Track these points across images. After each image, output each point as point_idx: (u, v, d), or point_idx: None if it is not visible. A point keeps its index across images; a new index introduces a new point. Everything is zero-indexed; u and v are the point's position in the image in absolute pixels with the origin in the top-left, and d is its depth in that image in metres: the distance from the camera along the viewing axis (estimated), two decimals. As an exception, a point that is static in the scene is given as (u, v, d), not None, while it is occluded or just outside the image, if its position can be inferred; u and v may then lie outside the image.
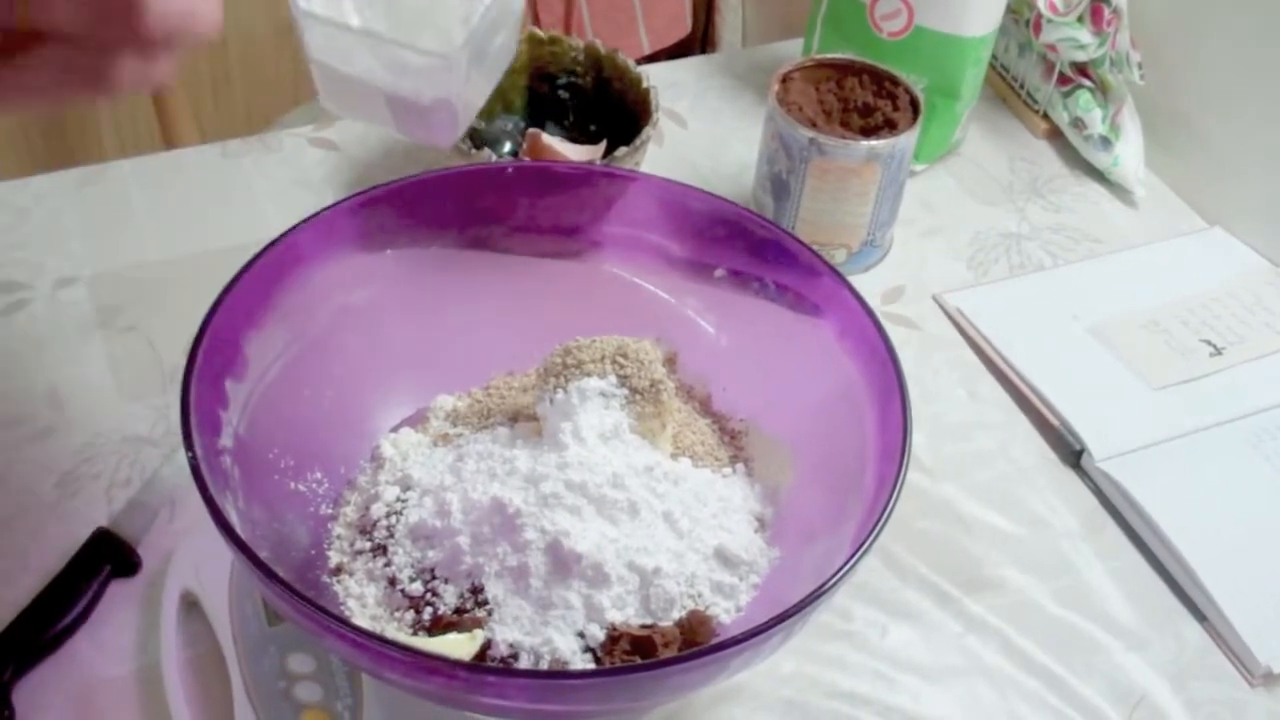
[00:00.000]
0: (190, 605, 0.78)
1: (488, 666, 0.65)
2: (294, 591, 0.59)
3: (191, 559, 0.79)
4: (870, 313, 0.75)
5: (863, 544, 0.63)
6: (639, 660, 0.67)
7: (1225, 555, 0.86)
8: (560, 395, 0.74)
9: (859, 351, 0.75)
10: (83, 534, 0.81)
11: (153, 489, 0.85)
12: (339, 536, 0.76)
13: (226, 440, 0.69)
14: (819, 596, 0.60)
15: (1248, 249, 1.12)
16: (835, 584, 0.61)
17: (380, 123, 0.70)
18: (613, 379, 0.74)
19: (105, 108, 1.90)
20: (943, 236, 1.12)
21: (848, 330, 0.76)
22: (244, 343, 0.72)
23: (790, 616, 0.59)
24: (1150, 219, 1.16)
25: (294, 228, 0.75)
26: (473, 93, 0.69)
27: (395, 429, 0.81)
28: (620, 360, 0.74)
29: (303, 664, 0.74)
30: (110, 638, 0.78)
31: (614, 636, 0.68)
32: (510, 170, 0.84)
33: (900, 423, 0.68)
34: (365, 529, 0.75)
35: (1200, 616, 0.86)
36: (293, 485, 0.75)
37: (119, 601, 0.80)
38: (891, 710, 0.79)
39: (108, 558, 0.80)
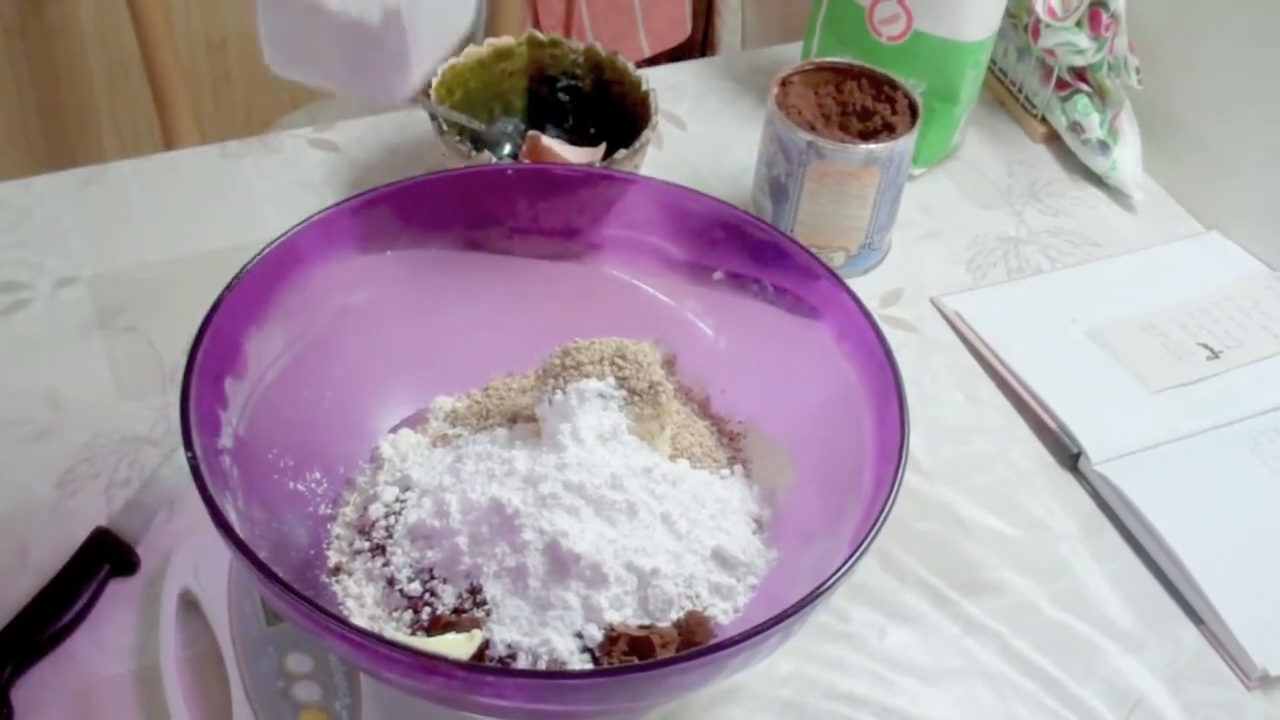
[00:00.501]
0: (189, 605, 0.78)
1: (485, 666, 0.66)
2: (292, 591, 0.59)
3: (190, 558, 0.79)
4: (868, 315, 0.75)
5: (860, 545, 0.63)
6: (637, 661, 0.67)
7: (1222, 558, 0.86)
8: (559, 396, 0.74)
9: (857, 354, 0.75)
10: (82, 533, 0.81)
11: (152, 489, 0.85)
12: (338, 536, 0.76)
13: (226, 440, 0.69)
14: (816, 597, 0.61)
15: (1245, 253, 1.12)
16: (832, 585, 0.61)
17: (332, 79, 0.67)
18: (611, 380, 0.74)
19: (105, 109, 1.91)
20: (941, 240, 1.12)
21: (846, 333, 0.76)
22: (244, 343, 0.72)
23: (788, 617, 0.60)
24: (1148, 223, 1.16)
25: (294, 228, 0.75)
26: (428, 24, 0.65)
27: (394, 430, 0.81)
28: (619, 362, 0.75)
29: (301, 663, 0.74)
30: (109, 637, 0.78)
31: (612, 637, 0.68)
32: (510, 172, 0.84)
33: (897, 425, 0.69)
34: (364, 529, 0.75)
35: (1197, 619, 0.86)
36: (292, 485, 0.75)
37: (118, 601, 0.80)
38: (889, 711, 0.79)
39: (107, 557, 0.81)
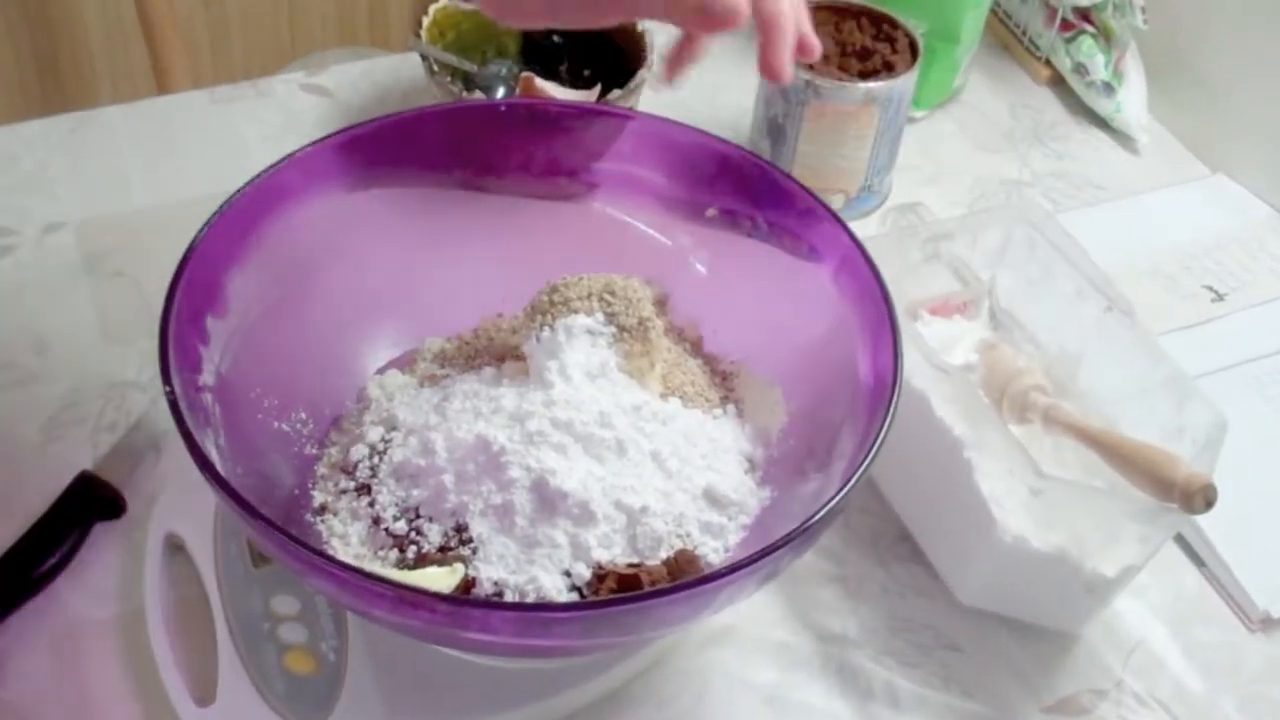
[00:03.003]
0: (175, 548, 0.77)
1: (470, 600, 0.64)
2: (272, 525, 0.58)
3: (176, 502, 0.78)
4: (864, 251, 0.73)
5: (849, 480, 0.61)
6: (625, 597, 0.66)
7: (1224, 501, 0.85)
8: (546, 333, 0.73)
9: (852, 290, 0.73)
10: (67, 478, 0.80)
11: (138, 433, 0.84)
12: (323, 476, 0.74)
13: (208, 378, 0.68)
14: (804, 531, 0.59)
15: (1251, 196, 1.11)
16: (820, 520, 0.60)
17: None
18: (600, 316, 0.73)
19: (103, 62, 1.89)
20: (943, 183, 1.10)
21: (841, 269, 0.74)
22: (225, 280, 0.71)
23: (775, 550, 0.58)
24: (1153, 166, 1.14)
25: (277, 164, 0.74)
26: None
27: (382, 371, 0.80)
28: (608, 298, 0.73)
29: (287, 605, 0.73)
30: (94, 580, 0.77)
31: (600, 575, 0.67)
32: (502, 108, 0.82)
33: (891, 359, 0.67)
34: (349, 469, 0.74)
35: (1199, 561, 0.85)
36: (276, 425, 0.74)
37: (103, 544, 0.79)
38: (887, 654, 0.78)
39: (92, 501, 0.80)
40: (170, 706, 0.70)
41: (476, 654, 0.69)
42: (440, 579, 0.64)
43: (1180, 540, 0.85)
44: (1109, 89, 1.14)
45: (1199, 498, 0.69)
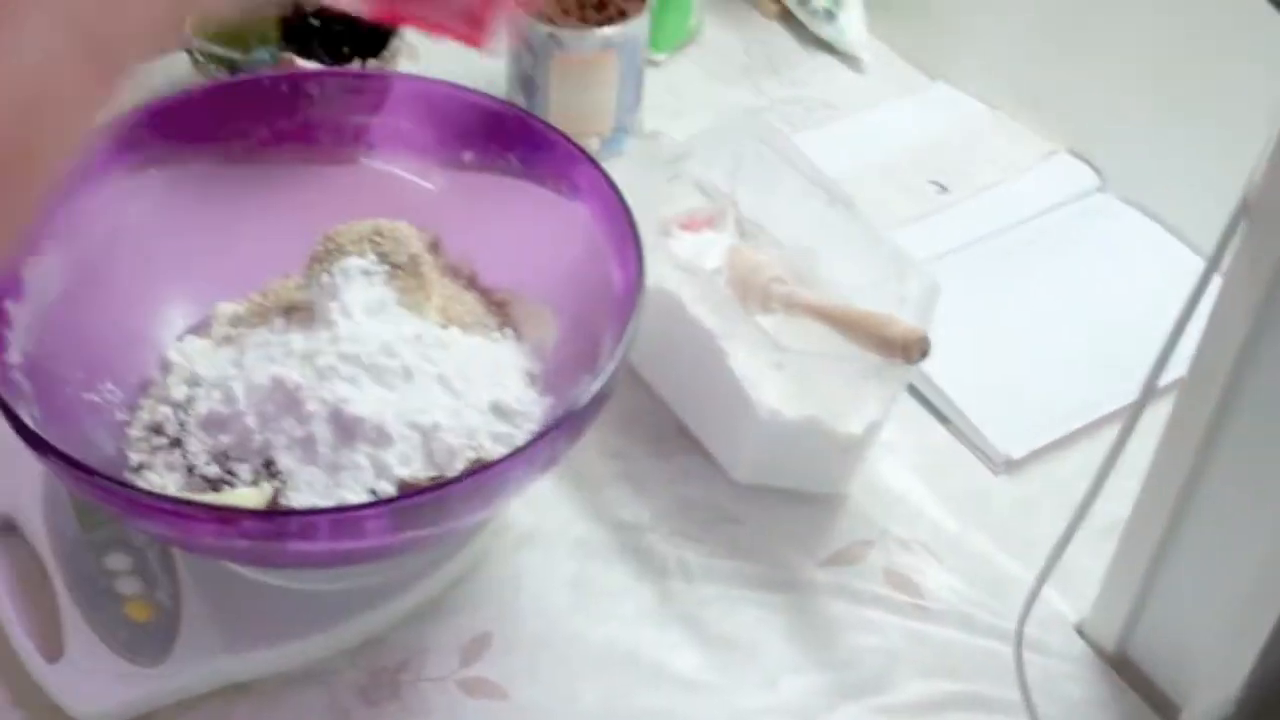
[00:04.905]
0: (8, 529, 0.81)
1: (288, 510, 0.71)
2: (91, 471, 0.64)
3: (4, 485, 0.82)
4: (608, 178, 0.81)
5: (608, 369, 0.70)
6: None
7: (960, 363, 0.94)
8: (326, 278, 0.79)
9: (603, 215, 0.81)
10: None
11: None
12: (137, 438, 0.80)
13: (14, 356, 0.73)
14: (570, 416, 0.67)
15: (969, 98, 1.21)
16: (587, 406, 0.68)
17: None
18: (372, 257, 0.80)
19: None
20: (689, 117, 1.18)
21: (593, 199, 0.82)
22: (20, 267, 0.75)
23: (547, 434, 0.66)
24: (879, 81, 1.24)
25: (51, 155, 0.79)
26: None
27: (180, 338, 0.85)
28: (376, 239, 0.80)
29: (120, 562, 0.78)
30: (-68, 567, 0.81)
31: (405, 491, 0.74)
32: (265, 82, 0.88)
33: (635, 268, 0.76)
34: (159, 428, 0.79)
35: (944, 420, 0.95)
36: (86, 396, 0.79)
37: (-65, 534, 0.83)
38: (677, 535, 0.86)
39: (-82, 496, 0.83)
40: (21, 666, 0.75)
41: (297, 572, 0.76)
42: (251, 498, 0.70)
43: (926, 403, 0.95)
44: (830, 15, 1.24)
45: (915, 349, 0.78)
